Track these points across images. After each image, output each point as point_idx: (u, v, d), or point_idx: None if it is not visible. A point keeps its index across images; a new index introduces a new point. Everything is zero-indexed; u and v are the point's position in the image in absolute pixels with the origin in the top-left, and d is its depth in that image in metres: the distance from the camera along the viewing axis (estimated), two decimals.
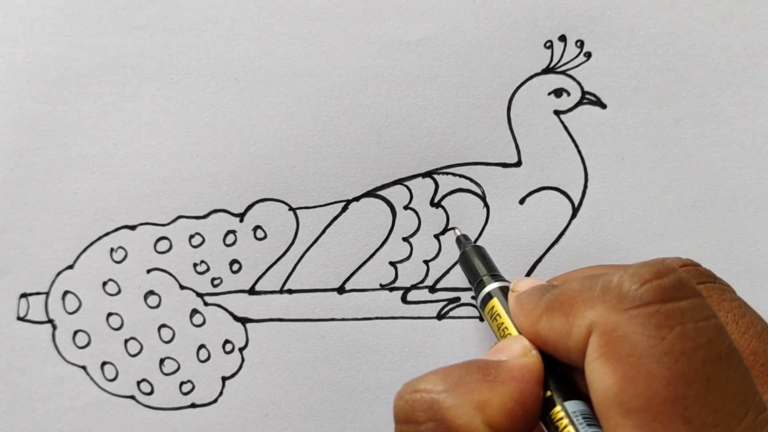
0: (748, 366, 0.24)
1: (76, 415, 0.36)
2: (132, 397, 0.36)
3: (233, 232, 0.36)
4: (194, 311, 0.36)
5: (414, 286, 0.35)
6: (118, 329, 0.36)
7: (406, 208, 0.36)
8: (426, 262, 0.35)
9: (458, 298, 0.35)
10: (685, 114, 0.35)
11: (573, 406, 0.23)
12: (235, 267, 0.36)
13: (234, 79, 0.36)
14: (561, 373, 0.24)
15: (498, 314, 0.28)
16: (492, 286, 0.29)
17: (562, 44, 0.35)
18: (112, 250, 0.36)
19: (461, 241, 0.33)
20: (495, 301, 0.28)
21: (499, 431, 0.22)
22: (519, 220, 0.35)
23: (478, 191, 0.35)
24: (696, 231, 0.35)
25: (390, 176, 0.36)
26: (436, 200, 0.36)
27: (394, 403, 0.24)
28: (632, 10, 0.35)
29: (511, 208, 0.35)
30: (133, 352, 0.36)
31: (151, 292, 0.36)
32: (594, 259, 0.35)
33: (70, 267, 0.36)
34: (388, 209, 0.36)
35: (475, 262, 0.31)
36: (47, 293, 0.36)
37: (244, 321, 0.36)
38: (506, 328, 0.27)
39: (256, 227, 0.36)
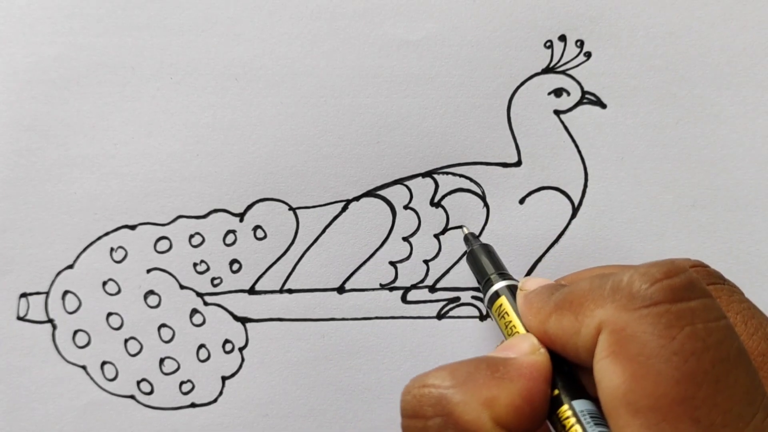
0: (757, 367, 0.24)
1: (76, 415, 0.36)
2: (132, 397, 0.36)
3: (233, 231, 0.36)
4: (194, 311, 0.36)
5: (414, 286, 0.35)
6: (118, 329, 0.36)
7: (406, 207, 0.36)
8: (426, 261, 0.35)
9: (458, 298, 0.35)
10: (685, 114, 0.35)
11: (580, 405, 0.23)
12: (235, 267, 0.36)
13: (234, 79, 0.36)
14: (568, 373, 0.24)
15: (506, 312, 0.28)
16: (500, 285, 0.29)
17: (562, 44, 0.35)
18: (112, 249, 0.36)
19: (469, 239, 0.33)
20: (503, 300, 0.29)
21: (506, 428, 0.22)
22: (519, 220, 0.35)
23: (478, 191, 0.35)
24: (696, 231, 0.35)
25: (390, 176, 0.36)
26: (436, 200, 0.36)
27: (402, 397, 0.24)
28: (632, 10, 0.35)
29: (511, 208, 0.35)
30: (133, 352, 0.36)
31: (151, 292, 0.36)
32: (594, 259, 0.35)
33: (70, 267, 0.36)
34: (388, 209, 0.36)
35: (483, 260, 0.31)
36: (47, 293, 0.36)
37: (244, 321, 0.36)
38: (514, 326, 0.27)
39: (256, 227, 0.36)
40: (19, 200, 0.36)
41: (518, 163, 0.35)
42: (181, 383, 0.36)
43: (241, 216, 0.36)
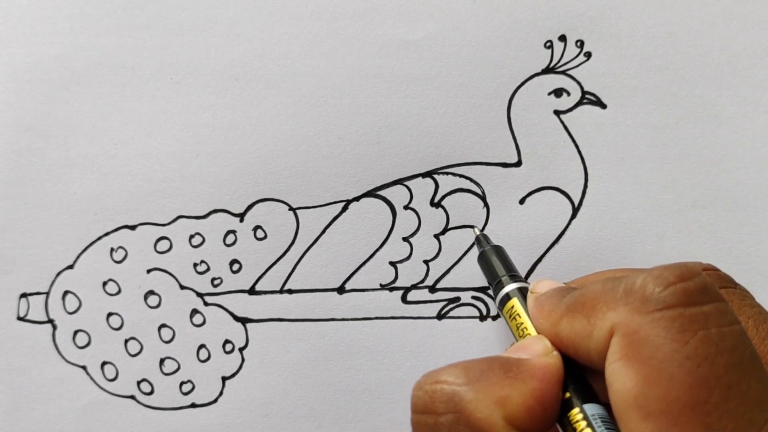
0: None
1: (76, 415, 0.36)
2: (132, 397, 0.36)
3: (233, 232, 0.36)
4: (194, 311, 0.36)
5: (414, 286, 0.35)
6: (118, 329, 0.36)
7: (406, 208, 0.36)
8: (426, 262, 0.35)
9: (458, 298, 0.35)
10: (685, 114, 0.35)
11: (592, 409, 0.23)
12: (235, 267, 0.36)
13: (234, 79, 0.36)
14: (580, 376, 0.24)
15: (517, 314, 0.28)
16: (511, 287, 0.29)
17: (562, 44, 0.35)
18: (112, 250, 0.36)
19: (480, 240, 0.33)
20: (514, 302, 0.29)
21: (518, 428, 0.22)
22: (519, 220, 0.35)
23: (478, 191, 0.35)
24: (696, 231, 0.35)
25: (390, 176, 0.36)
26: (436, 200, 0.36)
27: (413, 392, 0.24)
28: (632, 10, 0.35)
29: (511, 208, 0.35)
30: (133, 352, 0.36)
31: (151, 292, 0.36)
32: (594, 259, 0.35)
33: (70, 267, 0.36)
34: (388, 209, 0.36)
35: (494, 262, 0.31)
36: (47, 293, 0.36)
37: (244, 321, 0.36)
38: (525, 328, 0.27)
39: (256, 227, 0.36)
40: (19, 200, 0.36)
41: (518, 163, 0.35)
42: (182, 383, 0.36)
43: (241, 216, 0.36)
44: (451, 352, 0.35)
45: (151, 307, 0.36)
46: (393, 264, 0.36)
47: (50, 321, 0.36)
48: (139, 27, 0.36)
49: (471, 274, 0.35)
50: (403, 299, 0.35)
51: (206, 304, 0.36)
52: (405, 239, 0.36)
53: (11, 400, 0.36)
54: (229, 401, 0.36)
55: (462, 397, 0.23)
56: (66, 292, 0.36)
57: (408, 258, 0.36)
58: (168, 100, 0.36)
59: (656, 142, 0.35)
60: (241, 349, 0.36)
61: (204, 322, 0.36)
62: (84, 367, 0.36)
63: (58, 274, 0.36)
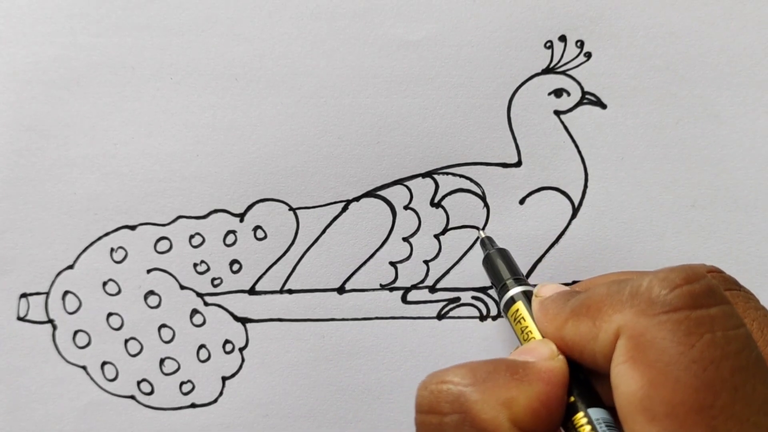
0: None
1: (76, 415, 0.36)
2: (132, 397, 0.36)
3: (233, 232, 0.36)
4: (194, 311, 0.36)
5: (414, 286, 0.35)
6: (118, 329, 0.36)
7: (406, 208, 0.36)
8: (426, 262, 0.35)
9: (458, 298, 0.35)
10: (685, 114, 0.35)
11: (596, 413, 0.23)
12: (235, 267, 0.36)
13: (234, 79, 0.36)
14: (584, 380, 0.24)
15: (522, 318, 0.28)
16: (515, 290, 0.29)
17: (562, 44, 0.35)
18: (112, 250, 0.36)
19: (485, 243, 0.33)
20: (519, 305, 0.29)
21: (523, 430, 0.22)
22: (519, 220, 0.35)
23: (478, 191, 0.35)
24: (696, 231, 0.35)
25: (390, 176, 0.36)
26: (436, 200, 0.36)
27: (418, 392, 0.24)
28: (632, 10, 0.35)
29: (511, 208, 0.35)
30: (133, 352, 0.36)
31: (151, 292, 0.36)
32: (594, 259, 0.35)
33: (70, 267, 0.36)
34: (388, 209, 0.36)
35: (499, 265, 0.31)
36: (47, 293, 0.36)
37: (244, 321, 0.36)
38: (530, 331, 0.27)
39: (256, 227, 0.36)
40: (19, 200, 0.36)
41: (518, 164, 0.35)
42: (182, 383, 0.36)
43: (241, 216, 0.36)
44: (451, 352, 0.35)
45: (151, 307, 0.36)
46: (393, 264, 0.36)
47: (50, 321, 0.36)
48: (139, 27, 0.36)
49: (471, 274, 0.35)
50: (403, 299, 0.35)
51: (206, 304, 0.36)
52: (405, 239, 0.36)
53: (11, 400, 0.36)
54: (229, 401, 0.36)
55: (468, 397, 0.23)
56: (66, 292, 0.36)
57: (408, 258, 0.36)
58: (168, 100, 0.36)
59: (656, 142, 0.35)
60: (241, 349, 0.36)
61: (204, 322, 0.36)
62: (84, 367, 0.36)
63: (58, 274, 0.36)
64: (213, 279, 0.36)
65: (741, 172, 0.35)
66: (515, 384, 0.23)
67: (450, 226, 0.35)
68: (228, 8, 0.36)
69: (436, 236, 0.35)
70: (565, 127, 0.35)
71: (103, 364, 0.36)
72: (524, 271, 0.35)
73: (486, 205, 0.35)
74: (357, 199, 0.36)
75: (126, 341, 0.36)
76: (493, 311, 0.35)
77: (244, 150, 0.36)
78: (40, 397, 0.36)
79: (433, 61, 0.36)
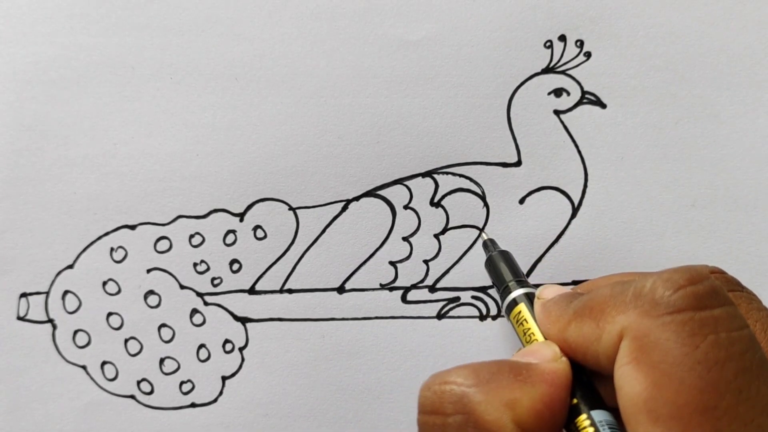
0: None
1: (76, 415, 0.36)
2: (132, 397, 0.36)
3: (233, 231, 0.36)
4: (194, 311, 0.36)
5: (414, 286, 0.35)
6: (118, 329, 0.36)
7: (406, 207, 0.36)
8: (426, 261, 0.35)
9: (458, 298, 0.35)
10: (685, 114, 0.35)
11: (599, 415, 0.23)
12: (235, 267, 0.36)
13: (234, 79, 0.36)
14: (587, 382, 0.24)
15: (525, 320, 0.28)
16: (518, 293, 0.29)
17: (562, 44, 0.35)
18: (112, 249, 0.36)
19: (488, 245, 0.33)
20: (522, 307, 0.29)
21: (526, 431, 0.22)
22: (519, 220, 0.35)
23: (478, 191, 0.35)
24: (696, 231, 0.35)
25: (390, 176, 0.36)
26: (436, 200, 0.36)
27: (420, 393, 0.24)
28: (632, 10, 0.35)
29: (511, 208, 0.35)
30: (133, 352, 0.36)
31: (151, 292, 0.36)
32: (594, 259, 0.35)
33: (70, 267, 0.36)
34: (388, 209, 0.36)
35: (501, 267, 0.31)
36: (47, 293, 0.36)
37: (244, 321, 0.36)
38: (533, 333, 0.27)
39: (256, 227, 0.36)
40: (19, 200, 0.36)
41: (518, 163, 0.35)
42: (181, 383, 0.36)
43: (241, 216, 0.36)
44: (451, 351, 0.35)
45: (151, 307, 0.36)
46: (393, 264, 0.36)
47: (50, 321, 0.36)
48: (139, 27, 0.36)
49: (471, 273, 0.35)
50: (403, 299, 0.35)
51: (206, 303, 0.36)
52: (405, 239, 0.36)
53: (11, 400, 0.36)
54: (229, 401, 0.36)
55: (471, 398, 0.23)
56: (66, 292, 0.36)
57: (408, 258, 0.36)
58: (168, 100, 0.36)
59: (656, 142, 0.35)
60: (241, 349, 0.36)
61: (204, 322, 0.36)
62: (84, 367, 0.36)
63: (58, 273, 0.36)
64: (213, 279, 0.36)
65: (741, 172, 0.35)
66: (518, 385, 0.23)
67: (450, 225, 0.35)
68: (228, 8, 0.36)
69: (436, 236, 0.35)
70: (565, 127, 0.35)
71: (103, 363, 0.36)
72: (524, 270, 0.35)
73: (486, 204, 0.35)
74: (357, 198, 0.36)
75: (126, 341, 0.36)
76: (493, 311, 0.35)
77: (244, 150, 0.36)
78: (40, 397, 0.36)
79: (433, 60, 0.36)
